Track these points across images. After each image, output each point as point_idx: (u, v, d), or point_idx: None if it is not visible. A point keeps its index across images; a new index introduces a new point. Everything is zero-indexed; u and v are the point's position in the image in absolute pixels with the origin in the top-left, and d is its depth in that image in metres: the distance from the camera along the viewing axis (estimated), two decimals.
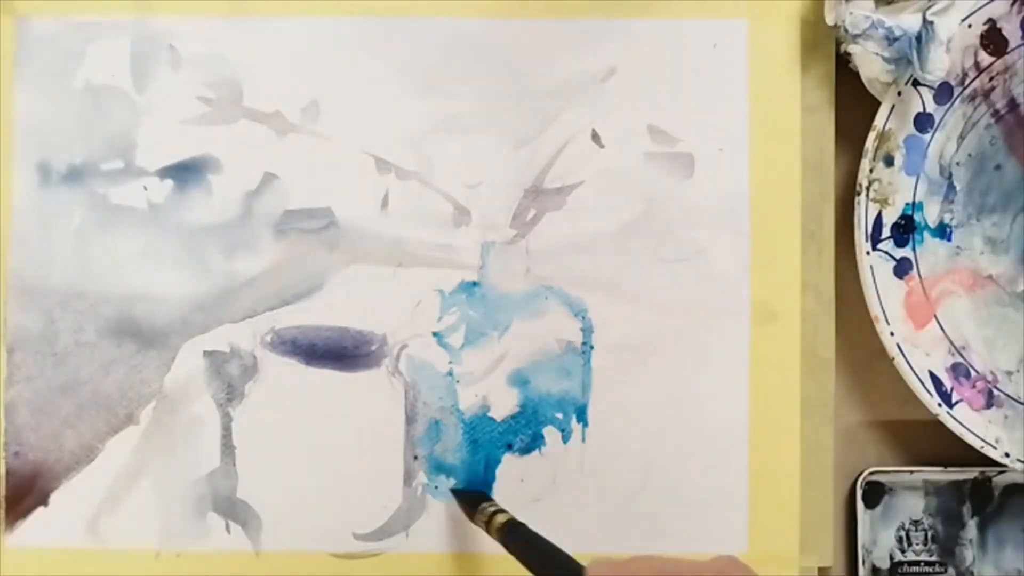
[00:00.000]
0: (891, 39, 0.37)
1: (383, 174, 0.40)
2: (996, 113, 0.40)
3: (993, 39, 0.39)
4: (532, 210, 0.40)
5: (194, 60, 0.40)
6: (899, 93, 0.38)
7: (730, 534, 0.40)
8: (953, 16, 0.37)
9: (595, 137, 0.40)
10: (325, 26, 0.40)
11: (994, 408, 0.40)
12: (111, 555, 0.40)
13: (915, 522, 0.42)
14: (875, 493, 0.41)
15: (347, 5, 0.40)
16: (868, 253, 0.39)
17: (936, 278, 0.40)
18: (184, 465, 0.40)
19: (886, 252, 0.39)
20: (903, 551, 0.41)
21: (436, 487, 0.40)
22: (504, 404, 0.40)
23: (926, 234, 0.40)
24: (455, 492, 0.40)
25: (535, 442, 0.40)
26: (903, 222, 0.40)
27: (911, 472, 0.41)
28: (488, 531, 0.36)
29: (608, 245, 0.40)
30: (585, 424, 0.40)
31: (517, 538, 0.35)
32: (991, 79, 0.39)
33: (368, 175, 0.40)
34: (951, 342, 0.40)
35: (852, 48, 0.38)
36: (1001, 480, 0.41)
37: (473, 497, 0.39)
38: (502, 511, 0.37)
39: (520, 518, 0.36)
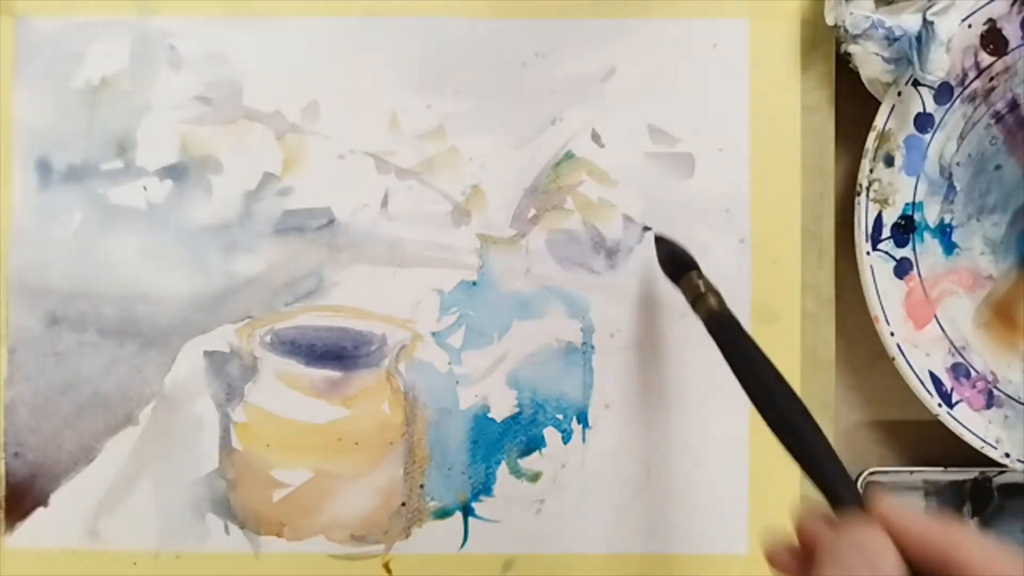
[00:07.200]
0: (891, 39, 0.37)
1: (383, 174, 0.40)
2: (996, 113, 0.40)
3: (993, 39, 0.39)
4: (532, 210, 0.40)
5: (194, 60, 0.40)
6: (899, 93, 0.38)
7: (730, 534, 0.40)
8: (953, 16, 0.37)
9: (595, 137, 0.40)
10: (325, 26, 0.40)
11: (994, 408, 0.40)
12: (110, 556, 0.39)
13: None
14: (875, 493, 0.41)
15: (347, 5, 0.40)
16: (868, 253, 0.39)
17: (936, 278, 0.40)
18: (183, 466, 0.40)
19: (886, 252, 0.39)
20: None
21: (436, 488, 0.40)
22: (504, 405, 0.40)
23: (926, 234, 0.40)
24: (659, 240, 0.38)
25: (535, 443, 0.40)
26: (903, 222, 0.40)
27: (911, 472, 0.41)
28: (693, 307, 0.35)
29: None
30: (585, 425, 0.40)
31: (724, 335, 0.33)
32: (991, 79, 0.39)
33: (368, 175, 0.40)
34: (951, 342, 0.40)
35: (852, 48, 0.38)
36: (1001, 480, 0.41)
37: (679, 258, 0.37)
38: (710, 294, 0.34)
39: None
